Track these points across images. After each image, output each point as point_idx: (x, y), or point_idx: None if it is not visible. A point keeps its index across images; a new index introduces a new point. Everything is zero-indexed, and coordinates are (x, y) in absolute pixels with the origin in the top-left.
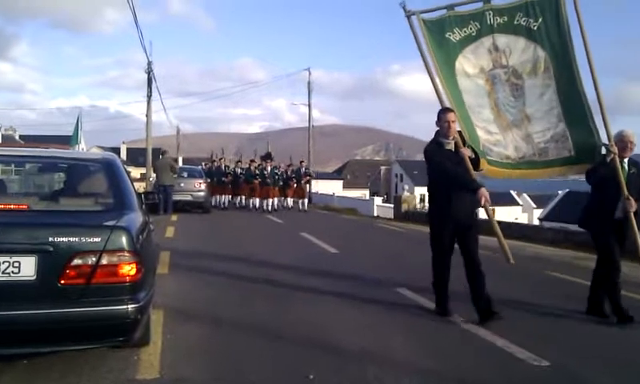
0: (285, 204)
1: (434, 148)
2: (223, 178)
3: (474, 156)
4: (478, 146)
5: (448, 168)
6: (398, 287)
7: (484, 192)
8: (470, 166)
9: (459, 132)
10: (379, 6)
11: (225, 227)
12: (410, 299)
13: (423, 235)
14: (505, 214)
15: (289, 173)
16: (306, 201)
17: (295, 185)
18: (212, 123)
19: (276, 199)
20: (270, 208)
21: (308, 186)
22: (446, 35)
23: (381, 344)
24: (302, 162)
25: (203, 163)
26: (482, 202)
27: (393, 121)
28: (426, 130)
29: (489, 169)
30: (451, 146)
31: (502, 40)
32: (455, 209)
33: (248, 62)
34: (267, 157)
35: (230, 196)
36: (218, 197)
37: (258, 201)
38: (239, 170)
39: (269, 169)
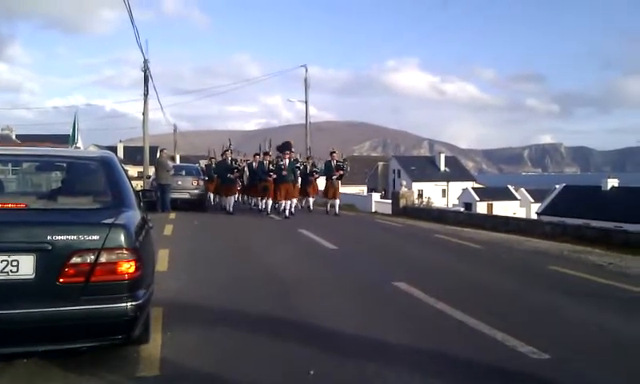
0: (304, 204)
1: None
2: (229, 175)
3: None
4: None
5: None
6: (396, 282)
7: None
8: None
9: None
10: (373, 2)
11: (223, 225)
12: (408, 293)
13: (420, 231)
14: (503, 208)
15: (309, 167)
16: (337, 202)
17: (327, 181)
18: (209, 120)
19: (295, 200)
20: (287, 211)
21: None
22: None
23: (379, 339)
24: (332, 152)
25: (202, 162)
26: None
27: (389, 117)
28: (421, 126)
29: None
30: None
31: None
32: None
33: (243, 58)
34: (285, 147)
35: (239, 196)
36: (223, 198)
37: (270, 202)
38: (255, 165)
39: (287, 162)
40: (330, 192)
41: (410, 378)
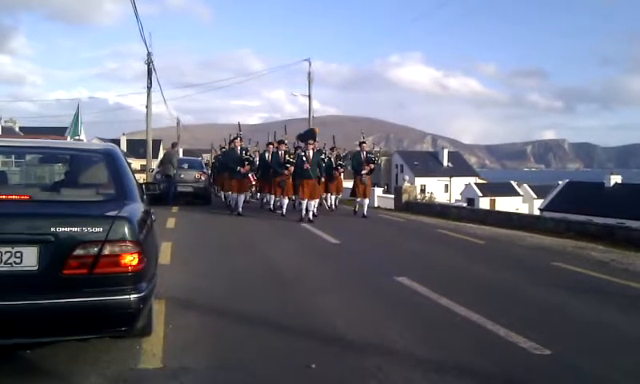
0: (328, 203)
1: None
2: (239, 168)
3: None
4: None
5: None
6: (398, 276)
7: None
8: None
9: None
10: None
11: (226, 218)
12: (410, 288)
13: (423, 226)
14: (505, 204)
15: (334, 160)
16: (367, 201)
17: (356, 178)
18: (212, 114)
19: (323, 199)
20: (310, 213)
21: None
22: None
23: (381, 333)
24: (362, 142)
25: (205, 156)
26: None
27: (392, 111)
28: (425, 121)
29: None
30: None
31: None
32: None
33: (246, 52)
34: (308, 136)
35: (250, 193)
36: (230, 194)
37: (286, 201)
38: (267, 156)
39: (310, 154)
40: (360, 190)
41: (411, 372)
